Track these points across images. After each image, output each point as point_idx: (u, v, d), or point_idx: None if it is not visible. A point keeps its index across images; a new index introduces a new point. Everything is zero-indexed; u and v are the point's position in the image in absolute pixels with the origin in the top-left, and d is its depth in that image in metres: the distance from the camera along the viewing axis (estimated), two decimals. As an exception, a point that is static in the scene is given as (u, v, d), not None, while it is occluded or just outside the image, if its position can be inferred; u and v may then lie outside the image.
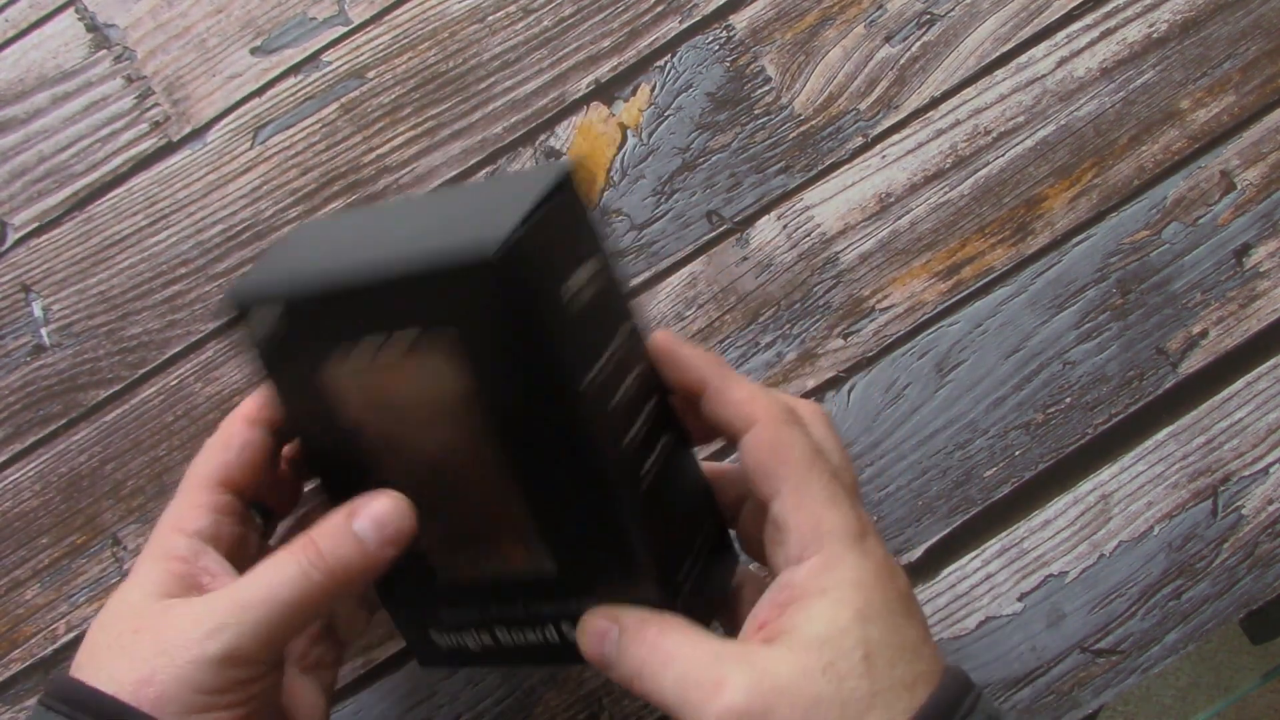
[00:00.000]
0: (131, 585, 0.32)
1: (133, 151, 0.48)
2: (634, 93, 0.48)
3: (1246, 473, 0.43)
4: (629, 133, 0.47)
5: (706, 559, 0.34)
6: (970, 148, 0.46)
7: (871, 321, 0.45)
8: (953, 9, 0.47)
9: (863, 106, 0.47)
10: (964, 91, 0.47)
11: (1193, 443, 0.44)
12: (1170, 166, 0.46)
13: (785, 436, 0.30)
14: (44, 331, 0.47)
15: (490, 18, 0.48)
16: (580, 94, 0.48)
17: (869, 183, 0.46)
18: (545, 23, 0.48)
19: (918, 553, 0.43)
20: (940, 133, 0.47)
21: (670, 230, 0.46)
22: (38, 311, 0.47)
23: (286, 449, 0.35)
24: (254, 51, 0.49)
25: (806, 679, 0.27)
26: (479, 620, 0.35)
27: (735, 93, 0.47)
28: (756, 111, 0.47)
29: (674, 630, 0.30)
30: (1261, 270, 0.45)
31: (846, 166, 0.47)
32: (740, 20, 0.48)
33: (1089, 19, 0.47)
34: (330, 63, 0.48)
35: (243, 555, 0.33)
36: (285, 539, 0.35)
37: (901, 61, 0.47)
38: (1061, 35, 0.47)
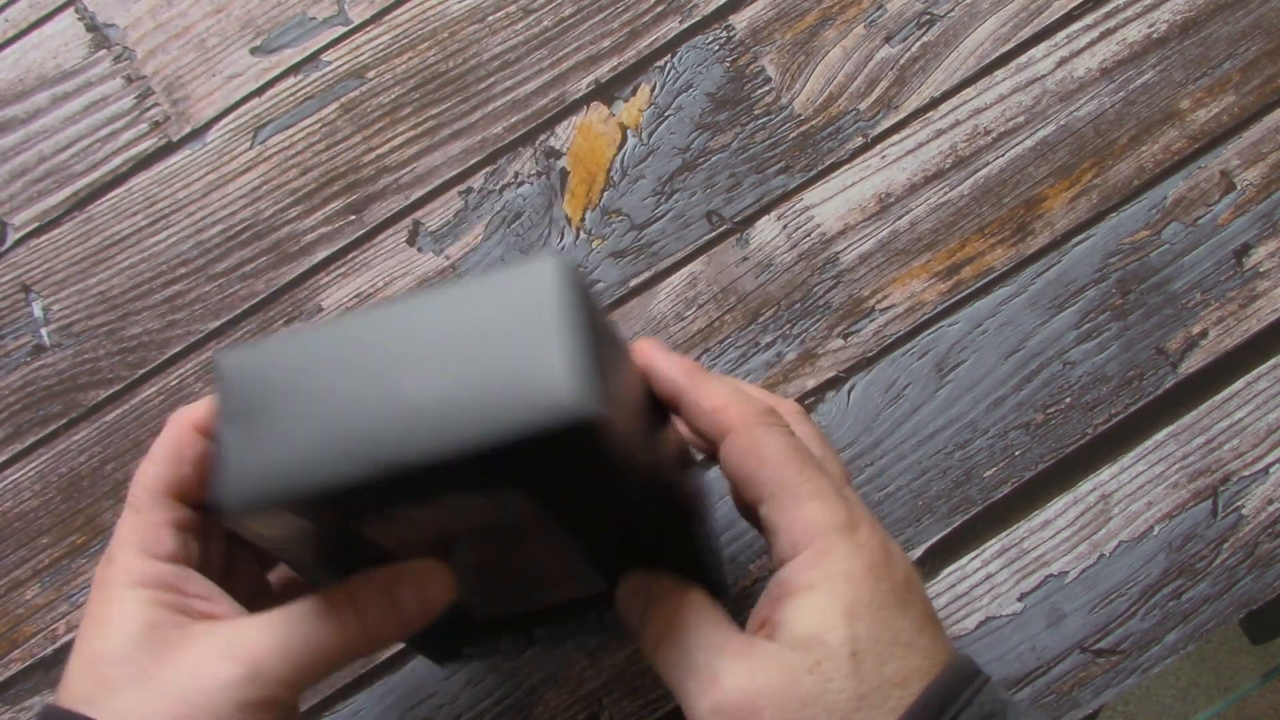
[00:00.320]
0: (122, 614, 0.29)
1: (133, 151, 0.48)
2: (634, 93, 0.48)
3: (1246, 473, 0.43)
4: (629, 133, 0.47)
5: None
6: (970, 148, 0.46)
7: (871, 321, 0.45)
8: (953, 9, 0.47)
9: (863, 106, 0.47)
10: (964, 92, 0.47)
11: (1193, 443, 0.44)
12: (1170, 166, 0.46)
13: (760, 438, 0.30)
14: (44, 331, 0.47)
15: (490, 18, 0.48)
16: (580, 94, 0.48)
17: (869, 183, 0.46)
18: (545, 23, 0.48)
19: (918, 553, 0.43)
20: (940, 133, 0.47)
21: (670, 230, 0.46)
22: (38, 311, 0.47)
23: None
24: (254, 51, 0.49)
25: (794, 680, 0.27)
26: (517, 630, 0.34)
27: (735, 93, 0.47)
28: (756, 112, 0.47)
29: (692, 610, 0.30)
30: (1261, 270, 0.45)
31: (846, 167, 0.46)
32: (740, 20, 0.48)
33: (1089, 19, 0.47)
34: (330, 63, 0.48)
35: (209, 569, 0.32)
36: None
37: (901, 62, 0.47)
38: (1061, 35, 0.47)
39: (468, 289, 0.26)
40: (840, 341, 0.45)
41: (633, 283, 0.46)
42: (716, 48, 0.48)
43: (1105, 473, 0.44)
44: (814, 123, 0.47)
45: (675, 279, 0.46)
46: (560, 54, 0.48)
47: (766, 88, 0.47)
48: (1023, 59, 0.47)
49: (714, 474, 0.43)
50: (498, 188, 0.47)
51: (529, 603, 0.33)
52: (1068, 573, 0.43)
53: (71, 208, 0.48)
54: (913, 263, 0.46)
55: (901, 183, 0.46)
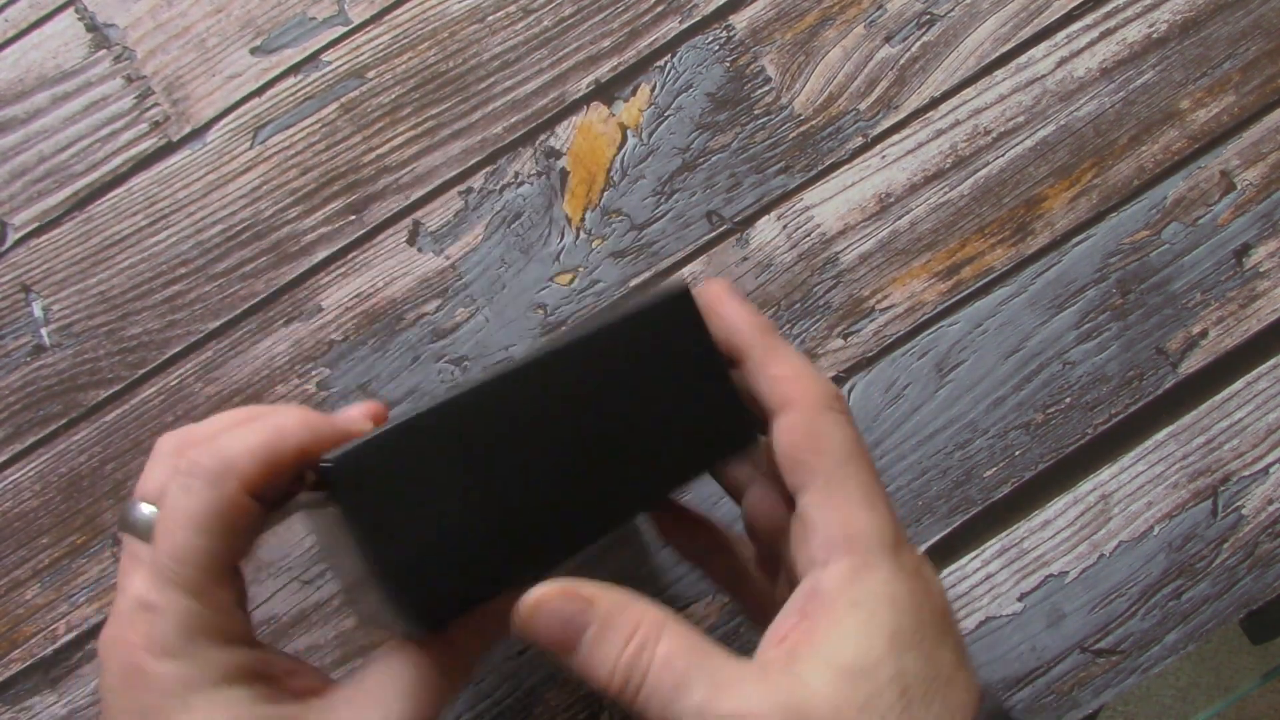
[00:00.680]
0: (216, 698, 0.25)
1: (133, 151, 0.48)
2: (634, 93, 0.48)
3: (1246, 473, 0.43)
4: (629, 133, 0.47)
5: None
6: (970, 148, 0.46)
7: (871, 322, 0.45)
8: (953, 9, 0.47)
9: (863, 106, 0.47)
10: (964, 92, 0.47)
11: (1193, 443, 0.44)
12: (1170, 166, 0.46)
13: (824, 425, 0.27)
14: (44, 331, 0.47)
15: (490, 17, 0.48)
16: (580, 94, 0.48)
17: (869, 183, 0.46)
18: (545, 23, 0.48)
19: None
20: (940, 133, 0.47)
21: (670, 230, 0.46)
22: (38, 311, 0.47)
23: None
24: (254, 51, 0.49)
25: (842, 717, 0.24)
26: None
27: (735, 93, 0.47)
28: (756, 111, 0.47)
29: (677, 638, 0.25)
30: (1261, 270, 0.45)
31: (846, 167, 0.46)
32: (740, 20, 0.48)
33: (1089, 19, 0.47)
34: (330, 62, 0.48)
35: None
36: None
37: (901, 61, 0.47)
38: (1061, 35, 0.47)
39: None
40: (840, 341, 0.45)
41: (633, 283, 0.46)
42: (716, 48, 0.48)
43: (1105, 473, 0.44)
44: (814, 123, 0.47)
45: (675, 279, 0.46)
46: (560, 54, 0.48)
47: (766, 88, 0.47)
48: (1023, 59, 0.47)
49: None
50: (498, 188, 0.47)
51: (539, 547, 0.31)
52: (1068, 573, 0.43)
53: (71, 208, 0.48)
54: (913, 263, 0.46)
55: (901, 183, 0.46)
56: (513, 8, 0.48)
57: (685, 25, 0.48)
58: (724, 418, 0.29)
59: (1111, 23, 0.47)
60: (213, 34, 0.49)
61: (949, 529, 0.43)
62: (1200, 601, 0.42)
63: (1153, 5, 0.47)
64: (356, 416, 0.30)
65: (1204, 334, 0.44)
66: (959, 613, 0.43)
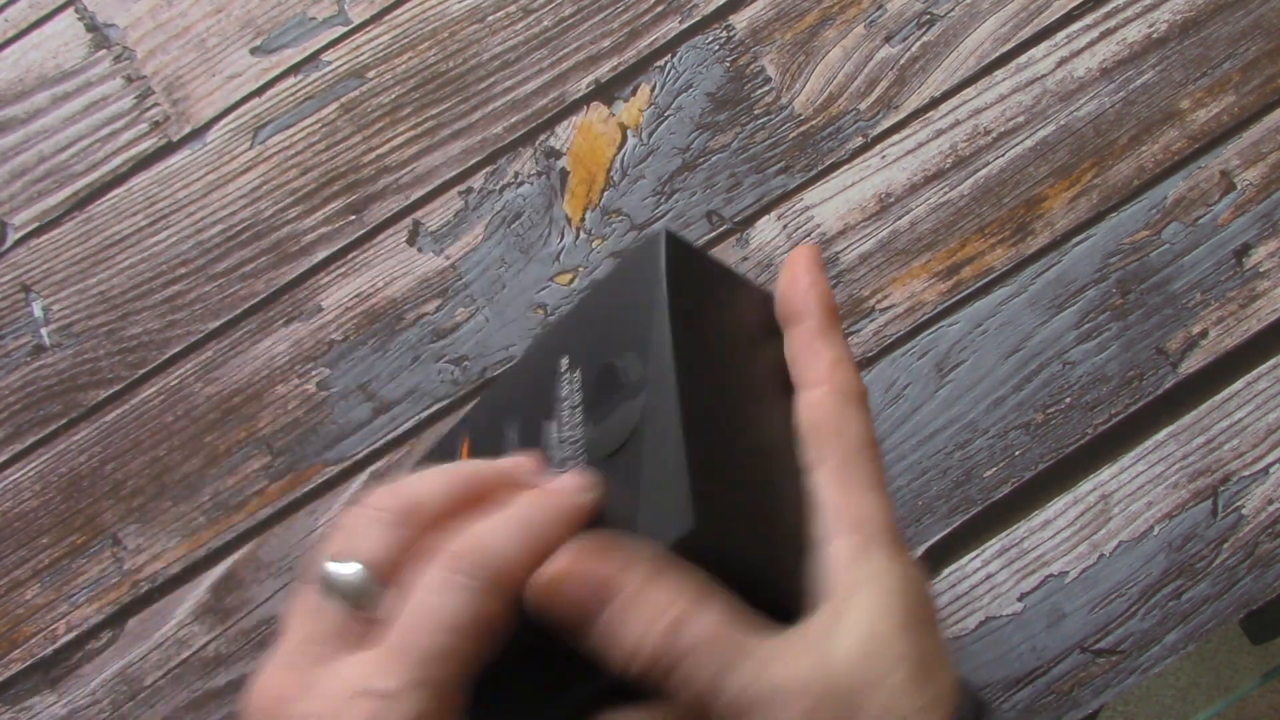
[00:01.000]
0: None
1: (133, 151, 0.48)
2: (634, 93, 0.48)
3: (1246, 473, 0.43)
4: (629, 133, 0.47)
5: None
6: (970, 148, 0.46)
7: (871, 321, 0.45)
8: (953, 9, 0.47)
9: (863, 106, 0.47)
10: (964, 91, 0.47)
11: (1193, 443, 0.44)
12: (1170, 166, 0.46)
13: (851, 414, 0.29)
14: (44, 331, 0.47)
15: (490, 18, 0.48)
16: (580, 94, 0.48)
17: (869, 183, 0.46)
18: (545, 23, 0.48)
19: (918, 553, 0.43)
20: (940, 133, 0.47)
21: (670, 230, 0.46)
22: (38, 311, 0.47)
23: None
24: (254, 51, 0.49)
25: (857, 693, 0.25)
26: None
27: (735, 93, 0.47)
28: (756, 111, 0.47)
29: (714, 613, 0.25)
30: (1261, 270, 0.45)
31: (846, 166, 0.46)
32: (740, 20, 0.48)
33: (1089, 19, 0.47)
34: (330, 63, 0.48)
35: None
36: None
37: (901, 61, 0.47)
38: (1061, 35, 0.47)
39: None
40: (840, 341, 0.45)
41: (633, 283, 0.46)
42: (716, 48, 0.48)
43: (1105, 473, 0.44)
44: (814, 123, 0.47)
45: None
46: (560, 54, 0.48)
47: (766, 88, 0.47)
48: (1023, 59, 0.47)
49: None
50: (498, 188, 0.47)
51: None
52: (1068, 573, 0.43)
53: (71, 208, 0.48)
54: (913, 263, 0.46)
55: (901, 183, 0.46)
56: (513, 8, 0.48)
57: (685, 25, 0.48)
58: None
59: (1111, 23, 0.47)
60: (213, 34, 0.49)
61: (949, 529, 0.43)
62: (1200, 601, 0.42)
63: (1153, 5, 0.47)
64: (564, 491, 0.27)
65: (1204, 334, 0.44)
66: (959, 612, 0.43)
